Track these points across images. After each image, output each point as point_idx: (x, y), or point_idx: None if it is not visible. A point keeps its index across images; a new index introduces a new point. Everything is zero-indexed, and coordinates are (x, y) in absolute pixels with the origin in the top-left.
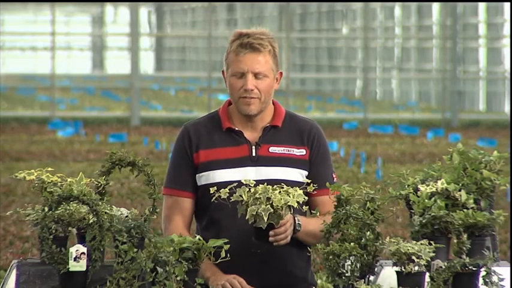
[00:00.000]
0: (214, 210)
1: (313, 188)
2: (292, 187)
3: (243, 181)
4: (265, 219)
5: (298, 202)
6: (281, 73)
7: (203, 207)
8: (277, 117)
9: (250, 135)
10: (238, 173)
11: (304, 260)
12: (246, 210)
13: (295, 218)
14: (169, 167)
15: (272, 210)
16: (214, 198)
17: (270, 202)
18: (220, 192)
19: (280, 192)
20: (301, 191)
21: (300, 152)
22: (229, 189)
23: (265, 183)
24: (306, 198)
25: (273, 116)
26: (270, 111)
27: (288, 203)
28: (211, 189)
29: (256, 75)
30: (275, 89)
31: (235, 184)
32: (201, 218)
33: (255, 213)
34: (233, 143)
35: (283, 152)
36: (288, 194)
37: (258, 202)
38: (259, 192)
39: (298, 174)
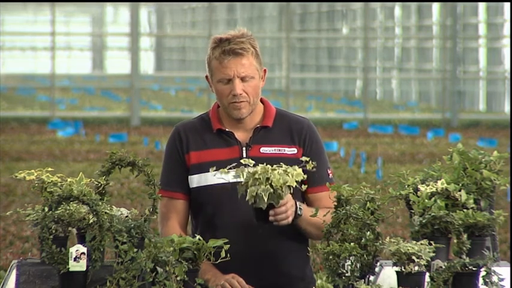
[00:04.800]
0: (210, 212)
1: (312, 165)
2: (290, 166)
3: (242, 161)
4: (265, 199)
5: (297, 181)
6: (265, 70)
7: (197, 208)
8: (267, 117)
9: (241, 135)
10: (231, 175)
11: (302, 259)
12: (246, 191)
13: (296, 203)
14: (162, 169)
15: (272, 190)
16: (214, 174)
17: (270, 182)
18: (220, 172)
19: (279, 172)
20: (300, 170)
21: (292, 151)
22: (228, 169)
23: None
24: (305, 176)
25: (263, 116)
26: (260, 110)
27: (287, 183)
28: (210, 169)
29: (242, 79)
30: (261, 87)
31: (234, 164)
32: (196, 220)
33: (254, 194)
34: (224, 145)
35: (274, 152)
36: (287, 174)
37: (258, 183)
38: (259, 172)
39: None
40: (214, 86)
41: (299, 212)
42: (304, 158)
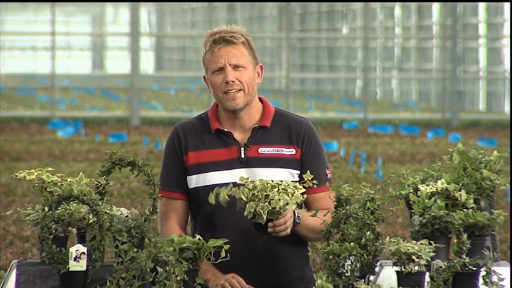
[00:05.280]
0: (208, 212)
1: (313, 183)
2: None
3: (238, 181)
4: (264, 217)
5: (296, 203)
6: (261, 66)
7: (196, 208)
8: (266, 117)
9: (240, 135)
10: (229, 175)
11: (302, 258)
12: (245, 205)
13: (295, 211)
14: (161, 169)
15: (270, 207)
16: (212, 198)
17: (269, 200)
18: (219, 195)
19: (278, 190)
20: (300, 188)
21: (290, 151)
22: (228, 190)
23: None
24: (305, 197)
25: (262, 116)
26: (259, 110)
27: (287, 205)
28: (210, 194)
29: (235, 67)
30: (258, 83)
31: (231, 185)
32: (195, 220)
33: (253, 210)
34: (222, 145)
35: (272, 152)
36: (286, 194)
37: (257, 199)
38: (258, 189)
39: (289, 174)
40: (209, 81)
41: (297, 221)
42: (306, 176)
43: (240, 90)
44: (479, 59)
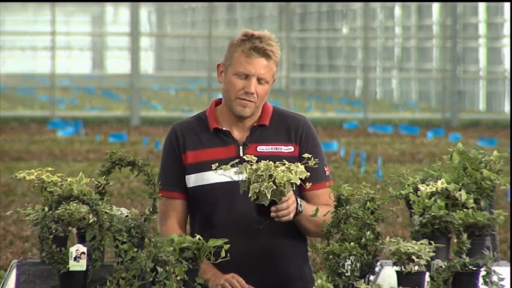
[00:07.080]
0: (207, 211)
1: (314, 162)
2: (293, 163)
3: (245, 157)
4: (268, 196)
5: (300, 179)
6: (274, 80)
7: (195, 207)
8: (264, 115)
9: (238, 134)
10: (232, 171)
11: (300, 257)
12: (248, 187)
13: (298, 200)
14: (160, 168)
15: (275, 187)
16: (216, 172)
17: (273, 179)
18: (221, 168)
19: (282, 169)
20: (302, 167)
21: (288, 149)
22: (230, 165)
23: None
24: (309, 174)
25: (260, 115)
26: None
27: (291, 180)
28: (212, 165)
29: (259, 80)
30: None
31: (236, 160)
32: (193, 218)
33: (257, 191)
34: (220, 144)
35: (271, 150)
36: (290, 171)
37: (261, 179)
38: (262, 169)
39: None
40: (227, 76)
41: (300, 209)
42: (306, 155)
43: (253, 102)
44: (479, 59)
